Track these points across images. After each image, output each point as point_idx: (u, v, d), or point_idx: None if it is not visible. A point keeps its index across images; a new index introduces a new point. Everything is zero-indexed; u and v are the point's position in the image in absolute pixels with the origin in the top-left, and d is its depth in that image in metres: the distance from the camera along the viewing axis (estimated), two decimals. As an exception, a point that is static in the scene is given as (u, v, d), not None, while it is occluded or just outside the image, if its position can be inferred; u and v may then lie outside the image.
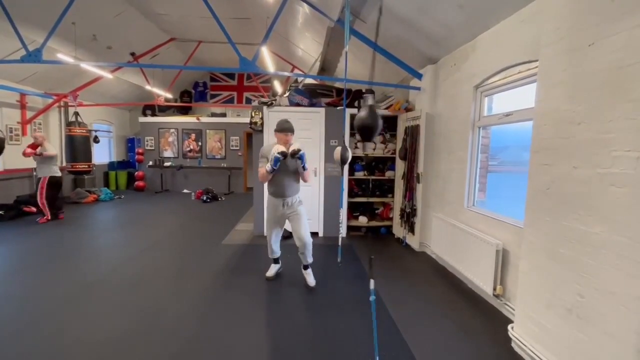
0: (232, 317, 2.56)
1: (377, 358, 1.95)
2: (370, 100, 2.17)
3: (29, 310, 2.59)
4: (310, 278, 3.14)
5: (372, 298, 2.00)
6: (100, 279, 3.23)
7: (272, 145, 2.84)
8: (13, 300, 2.77)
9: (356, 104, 4.89)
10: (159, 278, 3.28)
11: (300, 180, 3.04)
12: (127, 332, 2.31)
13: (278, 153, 2.67)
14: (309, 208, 4.81)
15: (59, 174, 5.58)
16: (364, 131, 2.12)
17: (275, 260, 3.33)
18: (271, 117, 4.66)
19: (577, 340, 1.73)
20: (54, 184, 5.48)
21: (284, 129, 2.85)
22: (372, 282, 2.16)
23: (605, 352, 1.58)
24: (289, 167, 2.89)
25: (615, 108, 1.56)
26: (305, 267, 3.20)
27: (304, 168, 2.85)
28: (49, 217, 5.35)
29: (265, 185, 3.23)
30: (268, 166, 2.74)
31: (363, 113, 2.15)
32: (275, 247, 3.22)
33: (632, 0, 1.48)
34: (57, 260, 3.72)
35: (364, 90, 5.05)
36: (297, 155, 2.74)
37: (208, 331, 2.35)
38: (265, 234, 3.26)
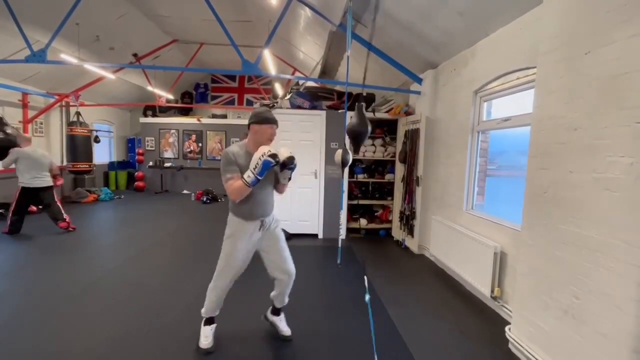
0: (231, 317, 2.58)
1: (376, 358, 1.98)
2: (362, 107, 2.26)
3: (28, 309, 2.61)
4: (284, 325, 2.32)
5: (367, 297, 2.04)
6: (100, 278, 3.25)
7: (242, 147, 2.05)
8: (12, 298, 2.79)
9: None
10: (159, 278, 3.30)
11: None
12: (127, 332, 2.33)
13: (269, 156, 1.84)
14: (309, 210, 4.87)
15: (31, 185, 4.67)
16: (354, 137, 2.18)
17: (210, 320, 2.24)
18: (272, 119, 4.70)
19: (573, 341, 1.77)
20: (27, 195, 4.71)
21: (267, 119, 2.02)
22: (365, 279, 2.19)
23: (600, 352, 1.62)
24: (270, 173, 2.01)
25: (610, 115, 1.61)
26: (277, 312, 2.35)
27: (289, 179, 2.13)
28: (6, 230, 4.60)
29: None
30: (250, 176, 1.86)
31: (354, 119, 2.20)
32: (223, 298, 2.23)
33: (626, 10, 1.53)
34: (56, 260, 3.74)
35: (364, 94, 5.10)
36: (292, 164, 2.00)
37: (209, 330, 2.37)
38: (216, 286, 2.20)
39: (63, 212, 4.99)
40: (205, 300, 2.23)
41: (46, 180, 4.86)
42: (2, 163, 4.67)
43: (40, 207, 5.20)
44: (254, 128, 2.04)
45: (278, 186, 2.19)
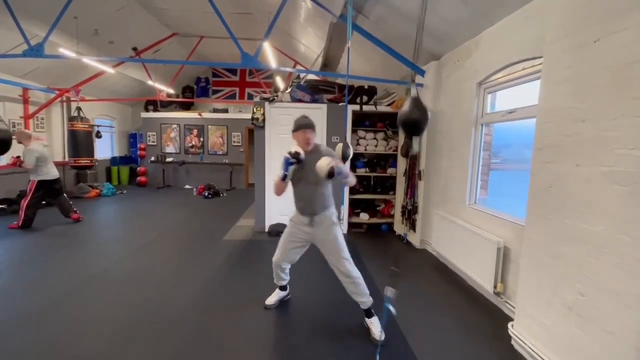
0: (232, 311, 2.57)
1: (378, 356, 1.96)
2: (413, 90, 1.98)
3: (32, 302, 2.62)
4: (375, 328, 2.27)
5: (387, 306, 1.92)
6: (103, 272, 3.25)
7: None
8: (16, 292, 2.79)
9: (358, 100, 4.87)
10: (161, 272, 3.30)
11: (331, 190, 2.42)
12: (129, 325, 2.33)
13: (289, 153, 2.10)
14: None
15: (50, 176, 4.90)
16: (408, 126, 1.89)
17: (282, 287, 2.71)
18: (273, 113, 4.65)
19: (577, 339, 1.73)
20: (44, 187, 4.87)
21: (301, 125, 2.26)
22: (389, 289, 1.98)
23: (605, 350, 1.58)
24: (311, 173, 2.17)
25: (620, 105, 1.54)
26: (369, 314, 2.36)
27: (345, 176, 2.18)
28: (20, 224, 4.68)
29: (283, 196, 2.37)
30: (280, 172, 2.18)
31: (407, 107, 1.89)
32: (284, 274, 2.60)
33: (639, -5, 1.46)
34: (60, 254, 3.75)
35: (366, 87, 5.03)
36: (332, 175, 2.05)
37: (209, 325, 2.37)
38: (273, 258, 2.53)
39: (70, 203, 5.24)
40: None
41: (56, 171, 5.06)
42: (28, 164, 4.67)
43: (44, 202, 5.35)
44: (293, 135, 2.33)
45: (346, 182, 2.31)
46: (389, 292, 1.98)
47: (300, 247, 2.48)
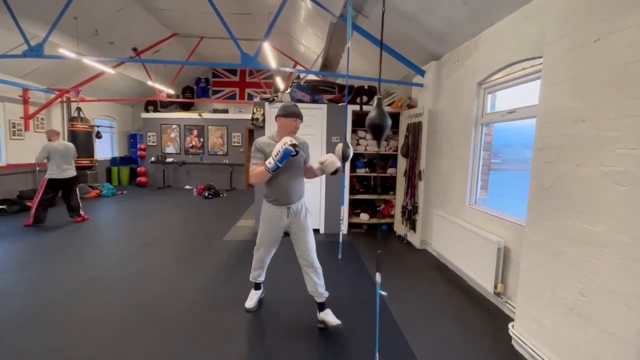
0: (232, 311, 2.57)
1: (377, 355, 1.95)
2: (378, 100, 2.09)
3: (32, 302, 2.61)
4: (331, 317, 2.32)
5: (379, 292, 1.92)
6: (103, 272, 3.25)
7: (270, 138, 2.26)
8: (15, 293, 2.79)
9: (358, 100, 4.87)
10: (160, 273, 3.30)
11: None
12: (129, 325, 2.33)
13: (290, 145, 1.96)
14: (311, 204, 4.80)
15: (61, 175, 4.95)
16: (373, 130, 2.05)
17: (257, 285, 2.67)
18: (273, 114, 4.65)
19: (578, 339, 1.72)
20: (53, 186, 4.94)
21: (292, 113, 2.19)
22: (378, 275, 1.93)
23: (606, 351, 1.58)
24: (295, 162, 2.23)
25: (620, 105, 1.54)
26: (322, 307, 2.38)
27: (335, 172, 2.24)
28: (31, 222, 4.79)
29: (260, 187, 2.44)
30: (270, 162, 2.02)
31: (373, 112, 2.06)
32: (264, 270, 2.58)
33: (640, -5, 1.45)
34: (59, 255, 3.75)
35: (366, 87, 5.03)
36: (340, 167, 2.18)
37: (209, 325, 2.37)
38: (254, 253, 2.53)
39: (81, 205, 5.32)
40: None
41: (72, 172, 5.15)
42: (36, 159, 4.94)
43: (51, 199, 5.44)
44: (280, 120, 2.22)
45: (312, 170, 2.36)
46: (378, 277, 1.94)
47: (278, 241, 2.44)
